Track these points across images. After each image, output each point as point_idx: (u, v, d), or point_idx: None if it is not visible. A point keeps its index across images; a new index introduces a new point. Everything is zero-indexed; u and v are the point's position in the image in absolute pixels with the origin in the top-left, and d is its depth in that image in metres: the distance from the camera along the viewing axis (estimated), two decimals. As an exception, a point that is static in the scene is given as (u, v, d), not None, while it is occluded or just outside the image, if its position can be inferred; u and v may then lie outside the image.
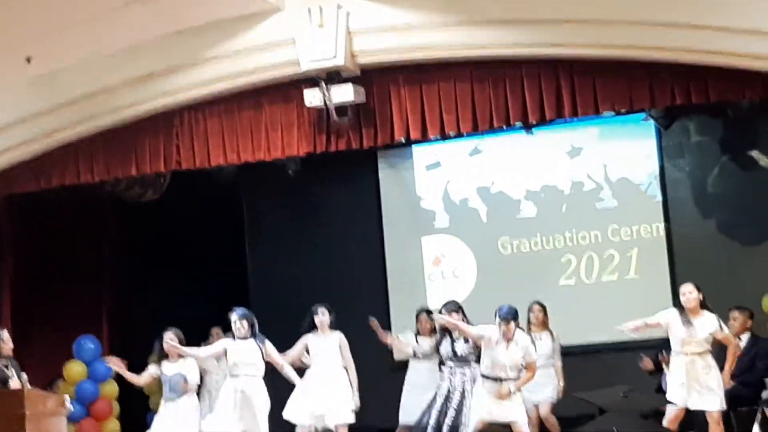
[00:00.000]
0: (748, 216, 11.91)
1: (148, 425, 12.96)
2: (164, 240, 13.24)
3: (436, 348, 10.33)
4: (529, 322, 10.82)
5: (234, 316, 10.19)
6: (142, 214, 12.65)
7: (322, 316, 10.51)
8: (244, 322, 10.10)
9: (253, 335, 10.10)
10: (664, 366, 10.09)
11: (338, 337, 10.51)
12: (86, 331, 12.34)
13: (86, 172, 10.83)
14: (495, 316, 9.45)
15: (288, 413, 10.30)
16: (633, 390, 5.06)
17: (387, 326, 12.76)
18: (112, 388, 12.10)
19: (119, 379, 12.25)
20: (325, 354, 10.45)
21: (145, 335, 13.02)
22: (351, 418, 10.39)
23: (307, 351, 10.54)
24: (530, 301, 11.00)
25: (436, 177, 13.16)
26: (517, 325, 9.59)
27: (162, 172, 11.17)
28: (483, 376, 9.59)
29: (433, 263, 13.06)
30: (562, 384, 10.77)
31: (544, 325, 10.97)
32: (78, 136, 10.75)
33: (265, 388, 10.12)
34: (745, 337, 10.54)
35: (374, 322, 10.80)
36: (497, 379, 9.58)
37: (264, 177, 12.77)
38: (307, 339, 10.53)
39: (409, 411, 10.65)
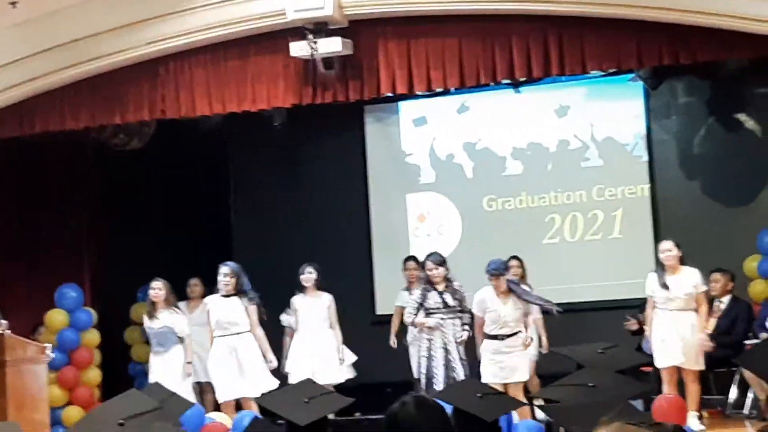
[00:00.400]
0: (732, 178, 11.93)
1: (129, 374, 13.03)
2: (148, 189, 13.19)
3: (422, 300, 10.33)
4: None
5: (222, 271, 10.20)
6: (126, 162, 12.57)
7: (309, 275, 10.52)
8: (232, 279, 10.12)
9: (238, 292, 10.11)
10: (645, 327, 10.16)
11: (327, 299, 10.53)
12: (68, 279, 12.30)
13: (70, 119, 10.78)
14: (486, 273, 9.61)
15: (289, 367, 10.39)
16: (612, 347, 5.07)
17: (370, 282, 12.80)
18: (93, 337, 12.08)
19: (101, 327, 12.28)
20: (313, 315, 10.48)
21: (127, 284, 13.04)
22: (343, 377, 10.46)
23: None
24: (498, 262, 11.00)
25: (423, 133, 13.11)
26: (506, 277, 9.71)
27: (146, 120, 11.12)
28: (486, 336, 9.70)
29: (417, 219, 13.04)
30: (544, 336, 10.80)
31: (522, 279, 10.99)
32: (63, 82, 10.67)
33: (254, 343, 10.17)
34: (726, 300, 10.60)
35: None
36: (498, 337, 9.68)
37: (249, 128, 12.72)
38: (295, 300, 10.56)
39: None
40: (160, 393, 6.01)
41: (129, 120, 10.80)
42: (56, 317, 11.80)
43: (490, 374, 9.68)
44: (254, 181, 13.36)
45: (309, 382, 6.39)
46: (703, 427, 9.19)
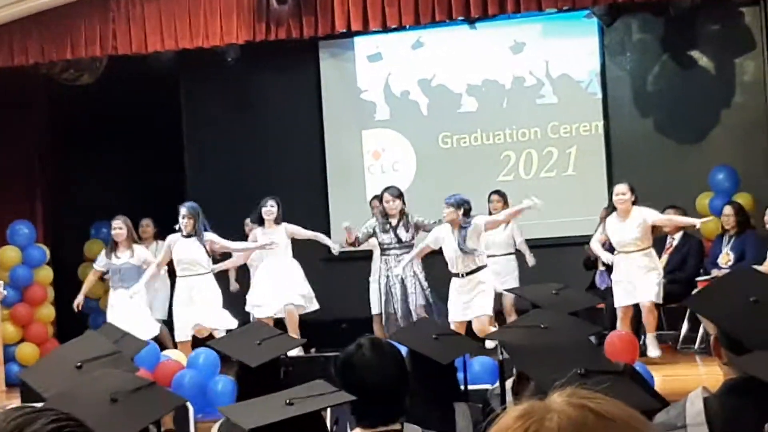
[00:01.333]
0: (686, 116, 12.00)
1: (83, 311, 12.99)
2: (100, 125, 13.05)
3: (373, 229, 10.39)
4: (489, 213, 10.88)
5: (181, 212, 10.17)
6: (77, 98, 12.42)
7: (271, 208, 10.50)
8: (190, 220, 10.09)
9: (196, 233, 10.09)
10: (600, 262, 10.29)
11: (284, 228, 10.53)
12: (20, 216, 12.21)
13: (20, 54, 10.63)
14: None
15: (249, 307, 10.38)
16: (565, 287, 5.12)
17: (325, 218, 12.80)
18: (46, 274, 12.04)
19: (54, 264, 12.22)
20: (276, 247, 10.47)
21: (80, 221, 12.97)
22: (314, 304, 10.50)
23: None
24: (471, 195, 11.04)
25: (378, 69, 13.04)
26: (465, 214, 9.74)
27: (98, 56, 10.98)
28: (452, 274, 9.78)
29: (372, 156, 13.02)
30: (530, 255, 10.95)
31: None
32: (12, 17, 10.51)
33: (214, 283, 10.18)
34: (678, 236, 10.72)
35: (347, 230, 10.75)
36: (458, 275, 9.75)
37: (203, 65, 12.58)
38: (256, 233, 10.54)
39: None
40: (114, 333, 6.00)
41: (80, 56, 10.68)
42: (8, 254, 11.73)
43: (454, 312, 9.77)
44: (208, 118, 13.25)
45: (261, 325, 6.40)
46: (659, 352, 9.37)
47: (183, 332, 10.15)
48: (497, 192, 11.20)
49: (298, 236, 10.60)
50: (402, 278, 10.28)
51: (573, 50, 12.47)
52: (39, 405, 3.94)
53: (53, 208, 13.03)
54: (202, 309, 10.06)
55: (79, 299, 10.82)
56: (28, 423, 1.58)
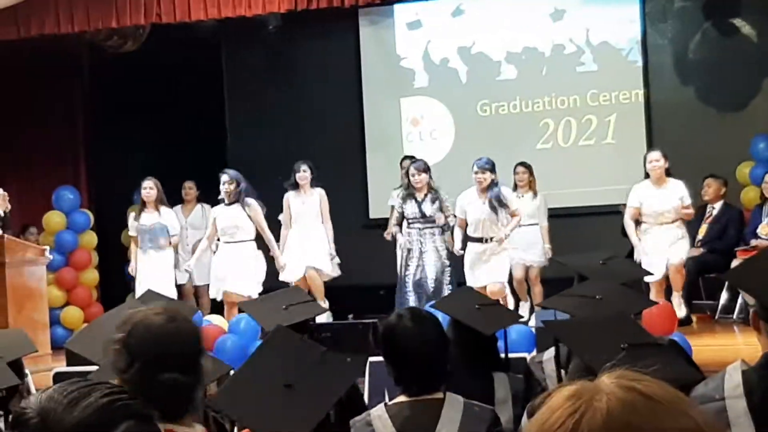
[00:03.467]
0: (727, 84, 11.92)
1: (126, 276, 13.15)
2: (143, 92, 13.15)
3: (401, 208, 10.40)
4: (514, 184, 10.89)
5: (222, 178, 10.24)
6: (121, 65, 12.54)
7: (304, 173, 10.55)
8: (231, 186, 10.15)
9: (239, 200, 10.16)
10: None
11: (319, 194, 10.58)
12: (65, 181, 12.38)
13: (66, 23, 10.73)
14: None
15: (284, 275, 10.46)
16: (612, 257, 5.14)
17: (363, 186, 12.87)
18: (90, 238, 12.20)
19: (97, 229, 12.38)
20: (307, 212, 10.54)
21: (123, 186, 13.10)
22: (334, 271, 10.56)
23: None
24: (508, 163, 11.06)
25: (417, 36, 13.05)
26: (494, 179, 9.76)
27: (142, 24, 11.07)
28: (469, 239, 9.79)
29: (411, 124, 13.05)
30: (548, 245, 10.85)
31: (530, 185, 11.00)
32: (58, -14, 10.61)
33: (258, 252, 10.24)
34: (718, 206, 10.69)
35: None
36: (481, 240, 9.78)
37: (244, 33, 12.65)
38: (289, 197, 10.59)
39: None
40: (155, 300, 6.07)
41: (125, 24, 10.78)
42: (54, 219, 11.90)
43: (474, 278, 9.80)
44: (249, 85, 13.33)
45: (294, 290, 6.46)
46: (686, 311, 9.36)
47: (216, 291, 10.23)
48: (523, 164, 11.07)
49: (323, 208, 10.61)
50: (421, 252, 10.25)
51: (614, 17, 12.42)
52: (91, 370, 4.05)
53: (97, 174, 13.19)
54: (239, 276, 10.09)
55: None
56: (83, 396, 1.66)
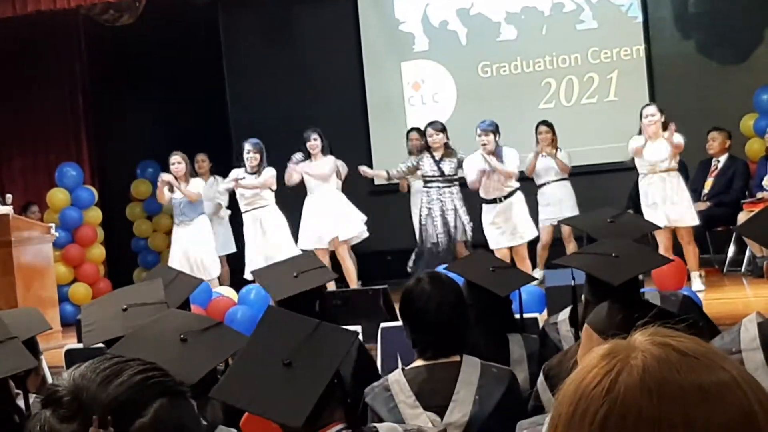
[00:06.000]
0: (728, 36, 11.87)
1: (132, 250, 13.18)
2: (141, 65, 13.12)
3: (417, 163, 10.41)
4: (537, 143, 10.87)
5: (247, 147, 10.25)
6: (118, 38, 12.49)
7: (314, 141, 10.54)
8: (256, 155, 10.21)
9: (259, 171, 10.22)
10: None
11: (332, 161, 10.57)
12: (67, 158, 12.36)
13: (62, -2, 10.69)
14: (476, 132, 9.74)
15: (302, 242, 10.46)
16: (621, 214, 5.11)
17: (366, 150, 12.85)
18: (95, 214, 12.20)
19: (102, 204, 12.38)
20: (321, 179, 10.53)
21: (126, 161, 13.09)
22: (364, 231, 10.58)
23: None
24: (512, 124, 11.05)
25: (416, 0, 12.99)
26: (496, 139, 9.82)
27: (138, -4, 11.04)
28: (483, 201, 9.82)
29: (412, 87, 13.01)
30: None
31: (553, 143, 10.95)
32: (52, -39, 10.55)
33: (280, 214, 10.30)
34: (723, 158, 10.66)
35: (364, 170, 10.81)
36: (495, 201, 9.81)
37: (241, 1, 12.60)
38: (302, 166, 10.58)
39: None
40: (166, 274, 6.06)
41: (122, -3, 10.72)
42: (58, 196, 11.89)
43: (498, 239, 9.85)
44: (248, 54, 13.29)
45: (307, 256, 6.40)
46: (704, 287, 9.34)
47: (256, 265, 10.13)
48: (545, 122, 11.05)
49: (340, 171, 10.67)
50: (443, 211, 10.28)
51: (612, -27, 12.35)
52: (101, 346, 4.05)
53: (99, 149, 13.18)
54: (272, 242, 10.15)
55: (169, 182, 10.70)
56: (116, 373, 1.64)
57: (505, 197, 9.91)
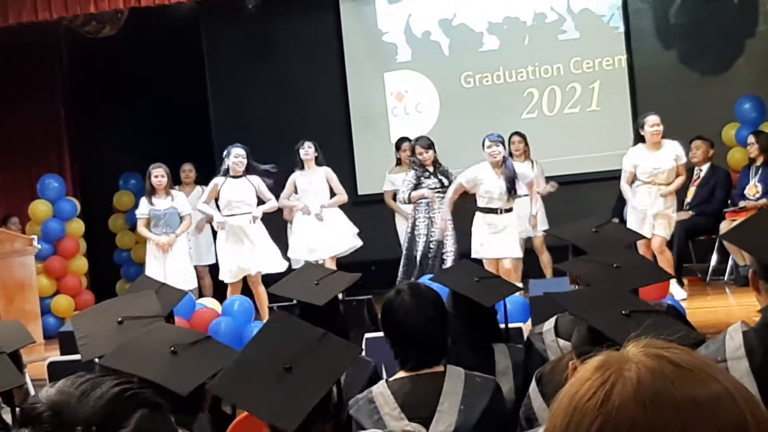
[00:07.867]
0: (709, 46, 11.93)
1: (115, 262, 13.13)
2: (123, 77, 13.10)
3: (417, 181, 10.38)
4: (510, 153, 10.88)
5: (234, 152, 10.13)
6: (100, 49, 12.45)
7: (308, 149, 10.51)
8: (244, 160, 10.10)
9: (247, 173, 10.12)
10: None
11: (324, 172, 10.54)
12: (49, 170, 12.31)
13: (44, 10, 10.62)
14: (482, 145, 9.68)
15: (291, 252, 10.42)
16: (606, 223, 5.11)
17: (350, 162, 12.84)
18: (78, 226, 12.14)
19: (84, 216, 12.33)
20: (313, 190, 10.51)
21: (108, 173, 13.06)
22: (356, 243, 10.56)
23: (295, 189, 10.61)
24: (496, 134, 11.04)
25: (398, 10, 12.99)
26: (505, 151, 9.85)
27: (121, 8, 10.99)
28: (480, 210, 9.76)
29: (395, 98, 13.02)
30: (537, 206, 10.71)
31: (525, 154, 11.01)
32: (34, -28, 10.52)
33: (261, 224, 10.20)
34: (705, 167, 10.70)
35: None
36: (496, 211, 9.76)
37: (223, 13, 12.59)
38: (295, 176, 10.55)
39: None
40: (150, 285, 6.04)
41: (103, 9, 10.68)
42: (40, 208, 11.83)
43: (489, 249, 9.74)
44: (230, 66, 13.26)
45: (313, 266, 6.42)
46: (685, 294, 9.35)
47: (230, 273, 10.08)
48: (518, 133, 11.13)
49: (332, 184, 10.62)
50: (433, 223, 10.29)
51: (594, -16, 12.39)
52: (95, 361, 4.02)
53: (81, 160, 13.13)
54: (250, 251, 10.00)
55: (157, 240, 10.59)
56: (93, 387, 1.65)
57: (506, 210, 9.84)
